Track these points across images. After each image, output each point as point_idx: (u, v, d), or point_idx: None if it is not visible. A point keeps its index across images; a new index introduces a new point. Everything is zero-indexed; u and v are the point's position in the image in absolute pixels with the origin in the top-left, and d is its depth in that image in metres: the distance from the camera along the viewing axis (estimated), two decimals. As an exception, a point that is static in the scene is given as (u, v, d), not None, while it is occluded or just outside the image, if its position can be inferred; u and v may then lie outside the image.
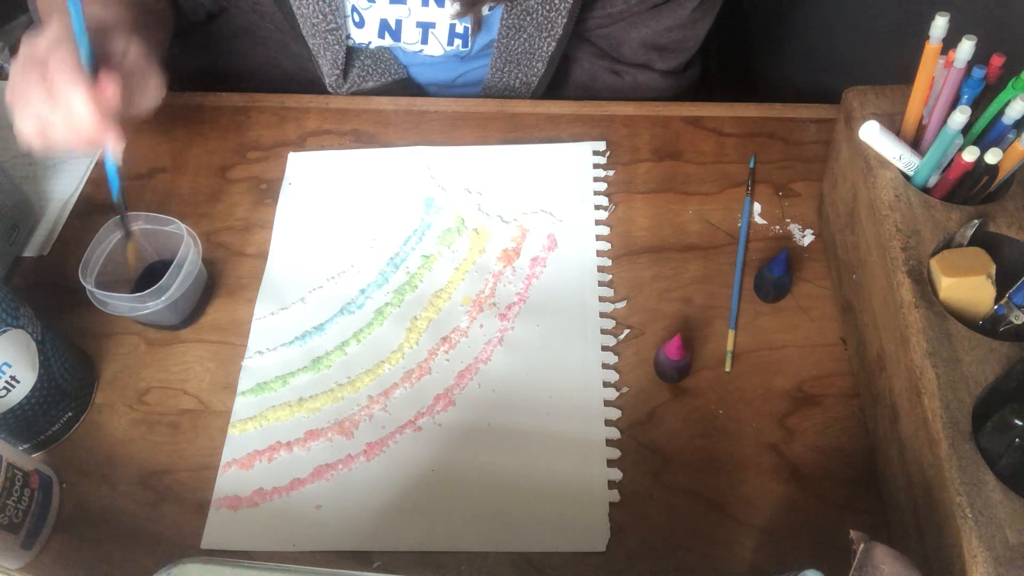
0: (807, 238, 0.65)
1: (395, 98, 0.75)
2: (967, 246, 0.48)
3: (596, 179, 0.68)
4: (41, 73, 0.51)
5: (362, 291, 0.62)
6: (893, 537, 0.50)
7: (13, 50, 1.01)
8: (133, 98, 0.55)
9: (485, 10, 0.68)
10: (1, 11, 1.02)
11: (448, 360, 0.59)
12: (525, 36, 0.70)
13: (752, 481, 0.53)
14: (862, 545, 0.39)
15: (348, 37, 0.71)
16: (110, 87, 0.51)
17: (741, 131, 0.72)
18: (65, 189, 0.69)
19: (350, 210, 0.67)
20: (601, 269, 0.63)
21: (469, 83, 0.78)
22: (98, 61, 0.52)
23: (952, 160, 0.49)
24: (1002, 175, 0.49)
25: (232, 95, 0.75)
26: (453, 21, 0.69)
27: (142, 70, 0.56)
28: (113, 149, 0.53)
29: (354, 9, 0.69)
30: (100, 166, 0.71)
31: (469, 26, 0.69)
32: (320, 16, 0.68)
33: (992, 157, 0.46)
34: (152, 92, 0.57)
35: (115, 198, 0.56)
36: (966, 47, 0.47)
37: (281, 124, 0.73)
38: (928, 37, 0.48)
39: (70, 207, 0.68)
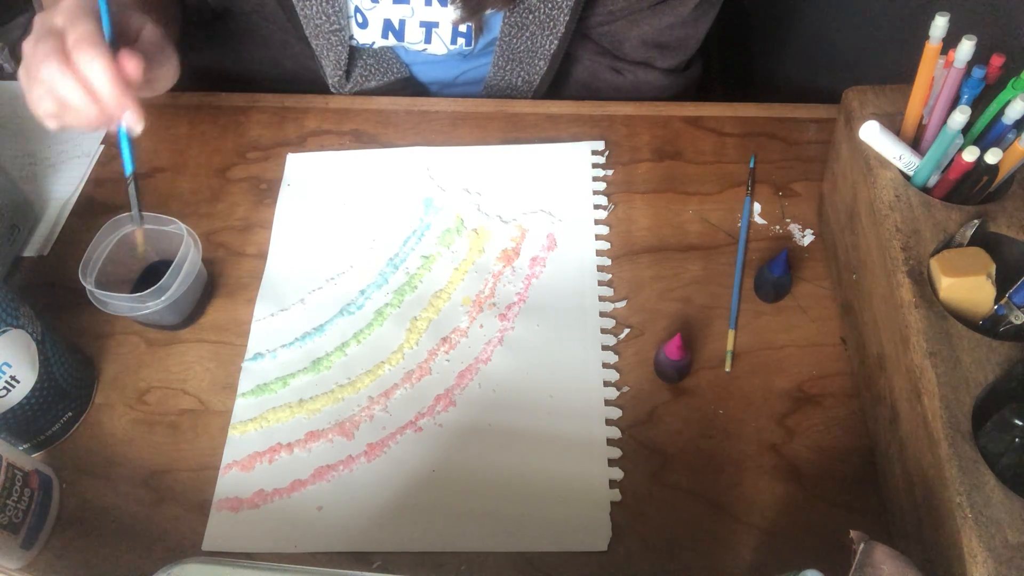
0: (807, 238, 0.65)
1: (395, 98, 0.75)
2: (967, 246, 0.48)
3: (595, 179, 0.68)
4: (58, 46, 0.49)
5: (362, 292, 0.62)
6: (893, 537, 0.50)
7: (13, 50, 1.01)
8: (149, 76, 0.53)
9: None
10: (1, 11, 1.02)
11: (448, 360, 0.59)
12: (527, 35, 0.70)
13: (752, 481, 0.53)
14: (862, 545, 0.39)
15: (351, 38, 0.71)
16: (131, 61, 0.50)
17: (741, 131, 0.72)
18: (65, 189, 0.69)
19: (349, 211, 0.67)
20: (601, 269, 0.63)
21: (471, 81, 0.78)
22: (115, 37, 0.52)
23: (952, 160, 0.49)
24: (1002, 175, 0.49)
25: (232, 95, 0.75)
26: (456, 24, 0.69)
27: (159, 47, 0.55)
28: (132, 124, 0.51)
29: (357, 10, 0.69)
30: (100, 166, 0.71)
31: (472, 26, 0.70)
32: (323, 17, 0.68)
33: (992, 157, 0.46)
34: (168, 71, 0.56)
35: (127, 171, 0.54)
36: (966, 47, 0.47)
37: (281, 124, 0.73)
38: (928, 37, 0.48)
39: (70, 207, 0.68)
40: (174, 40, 0.66)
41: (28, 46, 0.51)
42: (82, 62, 0.49)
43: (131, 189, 0.54)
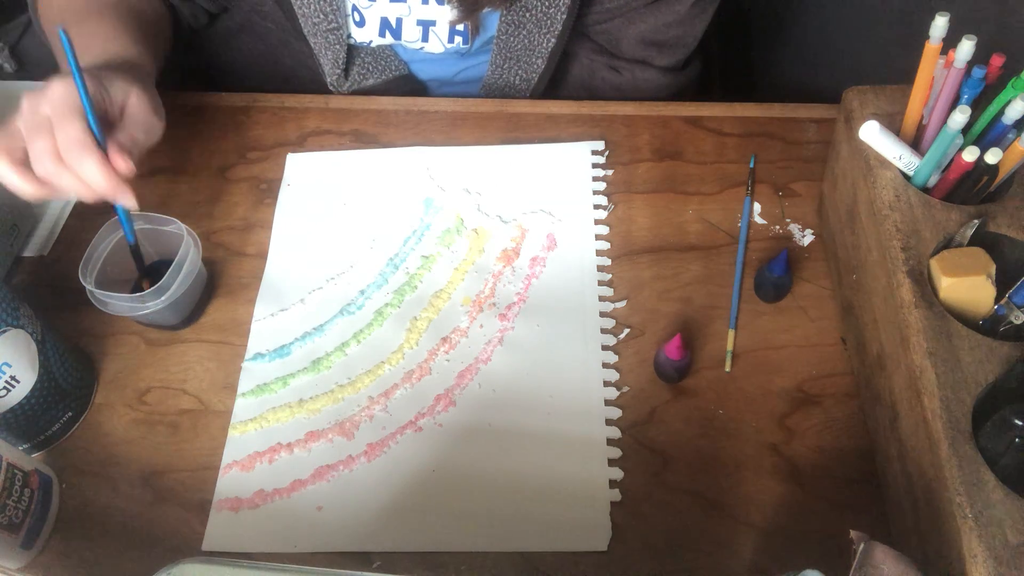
0: (807, 238, 0.65)
1: (395, 98, 0.75)
2: (967, 246, 0.48)
3: (595, 179, 0.68)
4: (50, 147, 0.50)
5: (362, 292, 0.62)
6: (893, 537, 0.50)
7: (13, 50, 1.01)
8: (138, 146, 0.55)
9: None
10: (1, 11, 1.02)
11: (448, 360, 0.59)
12: (525, 33, 0.70)
13: (752, 481, 0.53)
14: (862, 545, 0.39)
15: (349, 36, 0.71)
16: (120, 159, 0.52)
17: (741, 131, 0.72)
18: (65, 189, 0.69)
19: (349, 211, 0.67)
20: (601, 269, 0.63)
21: (469, 79, 0.78)
22: (100, 111, 0.52)
23: (952, 160, 0.49)
24: (1002, 175, 0.49)
25: (232, 95, 0.75)
26: (453, 24, 0.69)
27: (146, 120, 0.56)
28: (127, 204, 0.53)
29: (355, 8, 0.69)
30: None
31: (469, 25, 0.70)
32: (321, 15, 0.68)
33: (992, 157, 0.46)
34: (152, 135, 0.57)
35: (130, 241, 0.58)
36: (966, 47, 0.47)
37: (281, 124, 0.73)
38: (928, 37, 0.48)
39: (70, 207, 0.68)
40: (163, 57, 0.66)
41: (16, 128, 0.51)
42: (75, 163, 0.50)
43: (134, 256, 0.59)
